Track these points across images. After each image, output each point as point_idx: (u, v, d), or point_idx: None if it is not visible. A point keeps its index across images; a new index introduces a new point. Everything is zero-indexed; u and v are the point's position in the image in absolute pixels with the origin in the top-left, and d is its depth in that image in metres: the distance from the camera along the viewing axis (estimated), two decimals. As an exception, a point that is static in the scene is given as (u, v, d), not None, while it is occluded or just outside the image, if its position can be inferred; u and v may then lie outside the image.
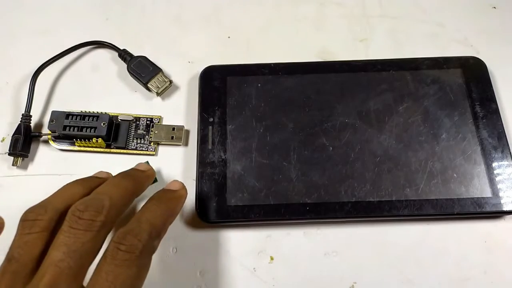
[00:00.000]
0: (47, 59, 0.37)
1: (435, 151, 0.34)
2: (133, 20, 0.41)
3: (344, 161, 0.34)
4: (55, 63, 0.38)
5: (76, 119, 0.35)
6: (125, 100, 0.38)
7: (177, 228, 0.33)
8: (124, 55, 0.38)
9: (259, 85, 0.36)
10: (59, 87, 0.38)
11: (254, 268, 0.32)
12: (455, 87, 0.36)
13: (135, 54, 0.38)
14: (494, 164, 0.34)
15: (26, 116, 0.35)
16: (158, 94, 0.37)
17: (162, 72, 0.37)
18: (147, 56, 0.38)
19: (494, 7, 0.42)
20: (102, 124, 0.35)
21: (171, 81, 0.37)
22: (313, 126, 0.35)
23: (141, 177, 0.30)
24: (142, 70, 0.37)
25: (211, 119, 0.35)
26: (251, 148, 0.34)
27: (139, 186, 0.30)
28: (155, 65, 0.38)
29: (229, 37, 0.40)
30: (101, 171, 0.32)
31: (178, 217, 0.33)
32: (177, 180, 0.31)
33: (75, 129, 0.35)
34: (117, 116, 0.36)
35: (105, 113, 0.35)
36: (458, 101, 0.36)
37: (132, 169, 0.32)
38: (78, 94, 0.38)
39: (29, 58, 0.38)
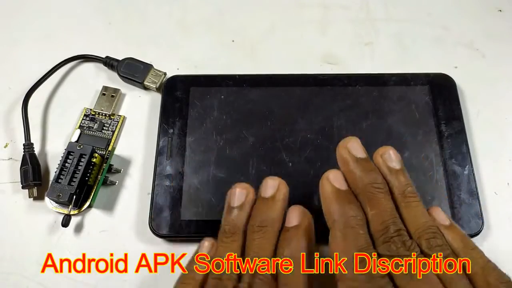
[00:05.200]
0: (33, 84, 0.36)
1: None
2: (136, 24, 0.41)
3: (303, 178, 0.32)
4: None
5: (64, 167, 0.32)
6: (127, 102, 0.37)
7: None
8: (109, 62, 0.38)
9: (222, 97, 0.35)
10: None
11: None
12: (422, 104, 0.34)
13: (139, 58, 0.38)
14: (456, 187, 0.32)
15: (28, 145, 0.34)
16: (157, 89, 0.37)
17: (153, 67, 0.37)
18: (151, 61, 0.38)
19: (500, 10, 0.41)
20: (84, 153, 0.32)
21: (165, 73, 0.37)
22: (274, 141, 0.33)
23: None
24: (134, 70, 0.37)
25: (171, 130, 0.34)
26: (209, 162, 0.33)
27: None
28: (144, 62, 0.37)
29: (233, 41, 0.40)
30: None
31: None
32: (294, 208, 0.27)
33: (75, 173, 0.32)
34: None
35: (71, 141, 0.34)
36: (423, 119, 0.34)
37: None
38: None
39: (32, 63, 0.39)
